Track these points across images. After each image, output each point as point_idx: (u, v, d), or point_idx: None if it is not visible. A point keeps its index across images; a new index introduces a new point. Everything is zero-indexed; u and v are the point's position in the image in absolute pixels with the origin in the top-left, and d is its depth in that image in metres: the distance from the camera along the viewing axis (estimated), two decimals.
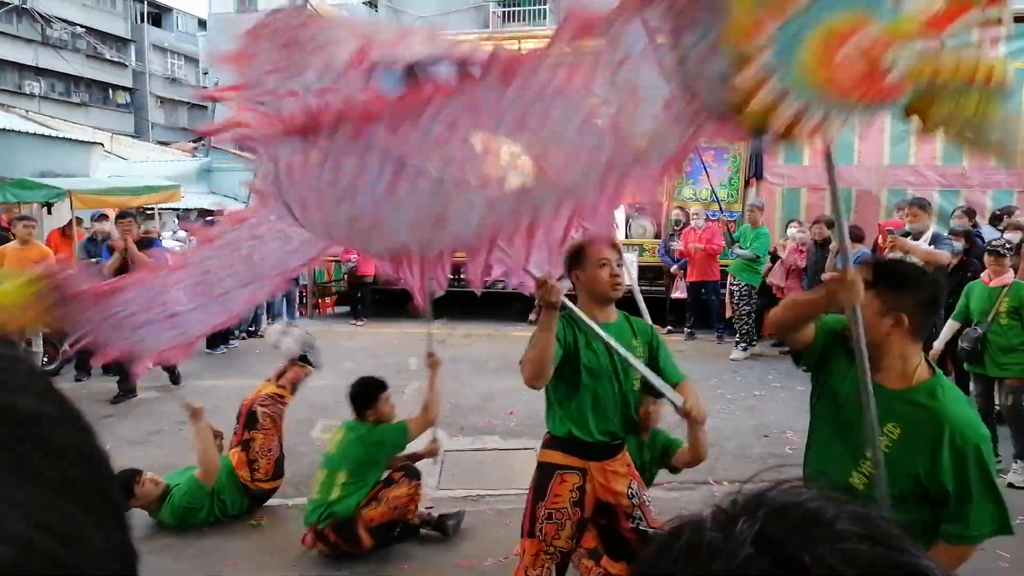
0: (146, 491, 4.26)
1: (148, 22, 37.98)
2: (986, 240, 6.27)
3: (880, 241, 6.78)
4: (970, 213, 7.50)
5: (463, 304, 12.00)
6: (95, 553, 0.38)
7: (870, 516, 0.49)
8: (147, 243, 7.34)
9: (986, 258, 5.26)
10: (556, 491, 2.82)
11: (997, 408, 5.23)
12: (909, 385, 2.13)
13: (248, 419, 4.64)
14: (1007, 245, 5.13)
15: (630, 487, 2.90)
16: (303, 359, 4.75)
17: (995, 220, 8.03)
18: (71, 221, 10.31)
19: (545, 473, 2.87)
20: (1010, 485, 4.87)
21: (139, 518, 4.34)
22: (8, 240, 7.70)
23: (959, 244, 6.39)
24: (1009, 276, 5.07)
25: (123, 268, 6.91)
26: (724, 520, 0.50)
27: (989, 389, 5.20)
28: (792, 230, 9.00)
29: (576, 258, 2.93)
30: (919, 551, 0.48)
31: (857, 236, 7.71)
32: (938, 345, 5.41)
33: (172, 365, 7.25)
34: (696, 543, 0.49)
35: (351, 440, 3.96)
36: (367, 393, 4.07)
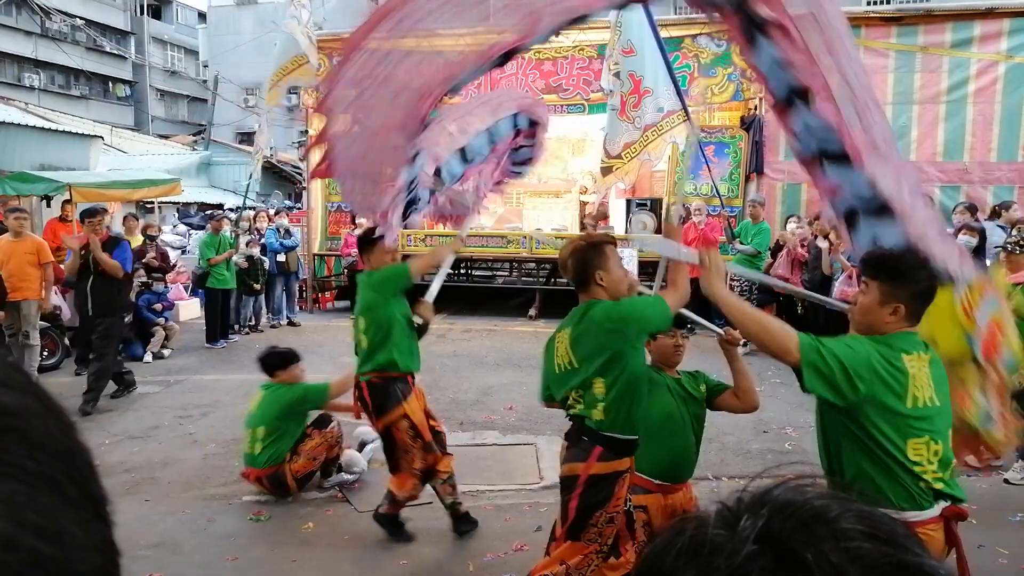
0: (292, 375, 4.82)
1: (148, 14, 37.84)
2: (987, 236, 6.26)
3: None
4: (971, 208, 7.49)
5: (463, 299, 12.00)
6: (76, 548, 0.38)
7: (875, 514, 0.49)
8: (113, 243, 6.77)
9: (1001, 256, 5.23)
10: (619, 495, 2.79)
11: None
12: None
13: (320, 419, 4.83)
14: (1021, 243, 5.08)
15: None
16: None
17: (995, 215, 8.03)
18: (64, 203, 10.30)
19: (608, 482, 2.77)
20: (1006, 481, 4.87)
21: (139, 516, 4.35)
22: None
23: (974, 240, 6.39)
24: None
25: (84, 269, 6.60)
26: (728, 517, 0.50)
27: None
28: (792, 225, 8.99)
29: (598, 258, 2.84)
30: (924, 550, 0.48)
31: None
32: None
33: (129, 379, 7.11)
34: (699, 540, 0.49)
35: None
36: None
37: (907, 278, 2.25)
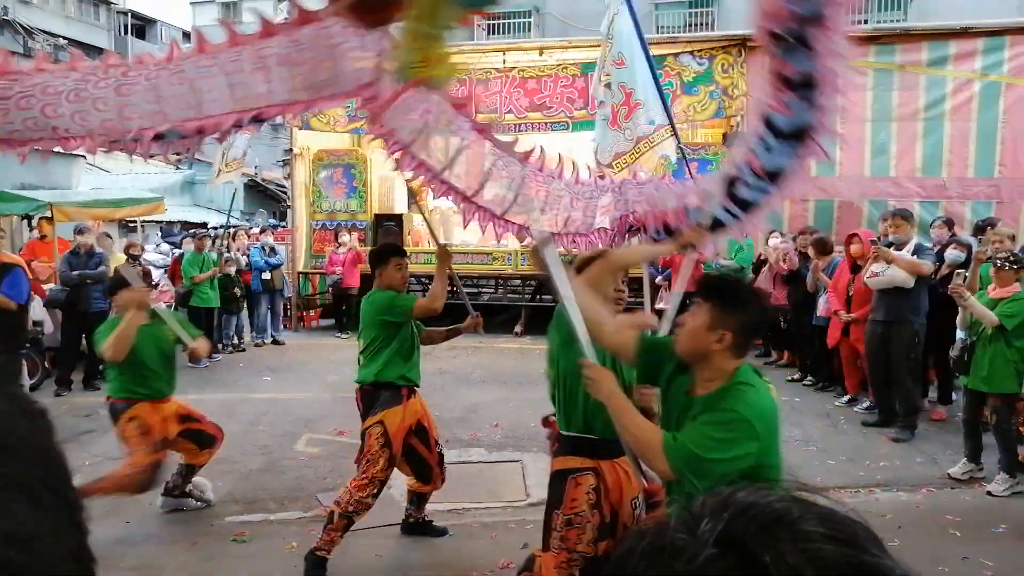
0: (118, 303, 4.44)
1: (132, 34, 37.84)
2: (973, 250, 6.35)
3: (863, 250, 6.81)
4: (949, 223, 7.59)
5: (448, 316, 11.97)
6: (48, 555, 0.37)
7: (837, 516, 0.50)
8: (4, 270, 6.36)
9: (991, 270, 5.29)
10: (572, 495, 2.76)
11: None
12: (708, 392, 2.25)
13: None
14: (1010, 258, 5.13)
15: (635, 500, 2.88)
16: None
17: (979, 231, 8.10)
18: (42, 220, 10.21)
19: (559, 480, 2.81)
20: (988, 493, 4.90)
21: (119, 538, 4.28)
22: None
23: (962, 254, 6.47)
24: (1015, 288, 5.03)
25: None
26: (690, 521, 0.51)
27: (974, 401, 5.20)
28: (774, 240, 9.06)
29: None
30: (885, 552, 0.48)
31: (826, 249, 7.82)
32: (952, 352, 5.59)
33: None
34: (660, 543, 0.50)
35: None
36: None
37: (740, 307, 2.22)
